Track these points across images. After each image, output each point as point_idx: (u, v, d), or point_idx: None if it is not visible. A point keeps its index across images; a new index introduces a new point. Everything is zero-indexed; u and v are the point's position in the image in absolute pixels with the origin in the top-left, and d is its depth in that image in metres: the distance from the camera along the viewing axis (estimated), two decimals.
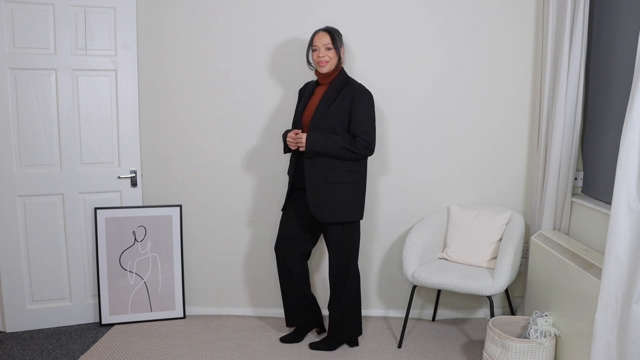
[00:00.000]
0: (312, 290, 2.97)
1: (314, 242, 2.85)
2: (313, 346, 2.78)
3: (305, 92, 2.78)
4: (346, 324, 2.75)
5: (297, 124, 2.71)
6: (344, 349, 2.78)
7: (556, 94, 2.66)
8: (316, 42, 2.62)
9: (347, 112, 2.57)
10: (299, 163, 2.69)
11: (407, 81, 3.05)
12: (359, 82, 2.71)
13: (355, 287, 2.74)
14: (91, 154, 3.01)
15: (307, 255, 2.85)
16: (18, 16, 2.80)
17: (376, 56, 3.03)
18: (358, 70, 3.03)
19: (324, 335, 2.89)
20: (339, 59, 2.64)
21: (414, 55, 3.03)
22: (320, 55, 2.60)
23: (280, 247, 2.78)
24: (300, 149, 2.56)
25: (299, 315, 2.86)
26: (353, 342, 2.82)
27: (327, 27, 2.66)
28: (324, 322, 2.97)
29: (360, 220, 2.75)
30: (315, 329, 2.96)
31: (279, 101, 3.07)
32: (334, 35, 2.62)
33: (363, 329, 3.01)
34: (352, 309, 2.75)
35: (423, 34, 3.02)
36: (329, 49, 2.59)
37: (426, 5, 2.99)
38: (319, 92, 2.69)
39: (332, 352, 2.74)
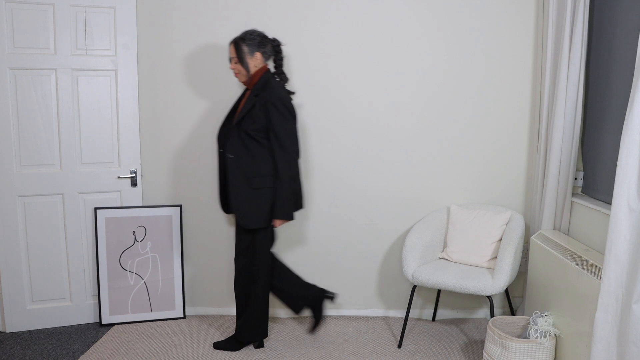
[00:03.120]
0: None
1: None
2: (216, 345, 2.77)
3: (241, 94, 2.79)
4: (251, 326, 2.73)
5: (225, 124, 2.69)
6: (341, 349, 2.78)
7: (556, 94, 2.66)
8: (230, 55, 2.64)
9: (264, 118, 2.51)
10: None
11: (408, 81, 3.05)
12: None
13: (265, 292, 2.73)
14: (91, 154, 3.01)
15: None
16: (18, 16, 2.80)
17: (377, 56, 3.03)
18: (358, 69, 3.04)
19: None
20: (249, 68, 2.59)
21: (415, 55, 3.03)
22: (231, 67, 2.63)
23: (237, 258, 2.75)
24: (289, 220, 2.59)
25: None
26: (259, 344, 2.79)
27: (236, 37, 2.61)
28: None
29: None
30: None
31: None
32: (239, 45, 2.57)
33: (363, 328, 3.02)
34: (258, 312, 2.72)
35: (425, 35, 3.02)
36: (236, 62, 2.60)
37: (429, 5, 2.99)
38: (246, 95, 2.68)
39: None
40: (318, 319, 2.87)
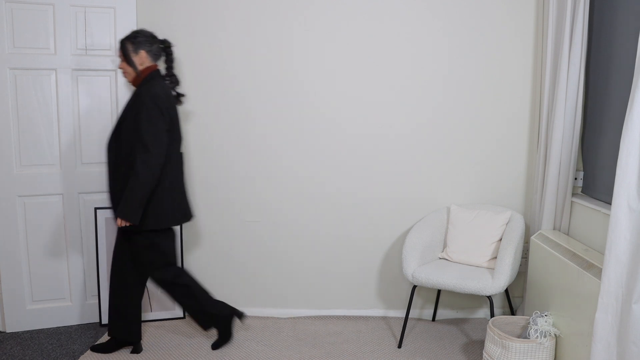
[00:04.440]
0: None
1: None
2: (95, 348, 2.72)
3: None
4: (120, 326, 2.68)
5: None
6: (341, 349, 2.78)
7: (556, 94, 2.66)
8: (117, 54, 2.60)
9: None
10: None
11: (409, 82, 3.05)
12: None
13: (127, 293, 2.65)
14: (91, 154, 3.00)
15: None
16: (18, 16, 2.80)
17: (377, 56, 3.03)
18: (358, 70, 3.04)
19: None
20: (136, 67, 2.54)
21: (415, 56, 3.03)
22: (119, 67, 2.59)
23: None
24: (130, 224, 2.44)
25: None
26: (135, 348, 2.73)
27: (123, 37, 2.57)
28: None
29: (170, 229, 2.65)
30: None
31: (279, 100, 3.07)
32: (123, 44, 2.53)
33: (363, 328, 3.02)
34: (121, 311, 2.66)
35: (424, 35, 3.02)
36: (122, 61, 2.56)
37: (429, 5, 2.99)
38: None
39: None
40: (226, 338, 2.79)
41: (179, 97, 2.74)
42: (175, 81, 2.72)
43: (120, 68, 2.59)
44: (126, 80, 2.66)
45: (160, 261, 2.62)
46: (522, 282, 3.11)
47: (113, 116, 3.01)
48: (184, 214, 2.68)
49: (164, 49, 2.67)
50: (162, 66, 2.70)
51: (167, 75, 2.71)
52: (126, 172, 2.47)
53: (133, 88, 2.78)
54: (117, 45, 2.57)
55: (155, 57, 2.61)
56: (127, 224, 2.46)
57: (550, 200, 2.76)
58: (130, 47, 2.54)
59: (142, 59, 2.55)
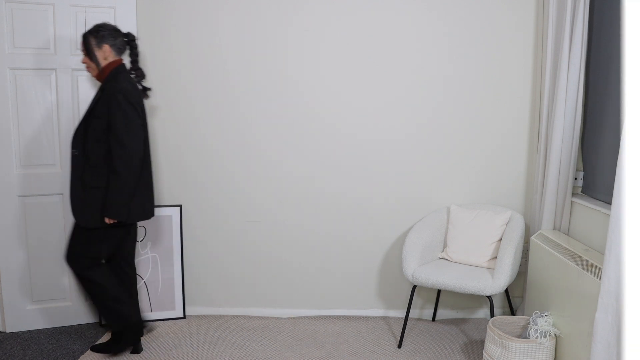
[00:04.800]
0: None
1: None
2: (95, 348, 2.69)
3: None
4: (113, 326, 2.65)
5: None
6: (341, 349, 2.78)
7: (556, 94, 2.66)
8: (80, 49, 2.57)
9: (107, 112, 2.41)
10: None
11: (408, 82, 3.05)
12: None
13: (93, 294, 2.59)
14: None
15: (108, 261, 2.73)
16: (18, 16, 2.80)
17: (379, 55, 3.03)
18: (358, 70, 3.04)
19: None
20: (99, 61, 2.51)
21: (415, 57, 3.03)
22: (82, 61, 2.55)
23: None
24: (120, 220, 2.45)
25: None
26: (135, 348, 2.71)
27: (86, 31, 2.53)
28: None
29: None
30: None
31: (281, 100, 3.08)
32: (86, 38, 2.49)
33: (363, 328, 3.02)
34: (104, 315, 2.61)
35: (425, 36, 3.02)
36: (85, 55, 2.53)
37: (429, 5, 2.99)
38: None
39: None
40: (127, 344, 2.67)
41: (145, 91, 2.71)
42: (140, 75, 2.68)
43: (83, 63, 2.56)
44: (90, 75, 2.63)
45: (100, 254, 2.57)
46: (522, 282, 3.11)
47: None
48: (150, 209, 2.65)
49: (128, 42, 2.62)
50: (126, 59, 2.67)
51: (132, 69, 2.66)
52: (92, 168, 2.45)
53: (98, 83, 2.75)
54: (81, 41, 2.53)
55: (120, 51, 2.57)
56: (115, 222, 2.46)
57: (550, 200, 2.76)
58: (93, 41, 2.50)
59: (106, 53, 2.52)
